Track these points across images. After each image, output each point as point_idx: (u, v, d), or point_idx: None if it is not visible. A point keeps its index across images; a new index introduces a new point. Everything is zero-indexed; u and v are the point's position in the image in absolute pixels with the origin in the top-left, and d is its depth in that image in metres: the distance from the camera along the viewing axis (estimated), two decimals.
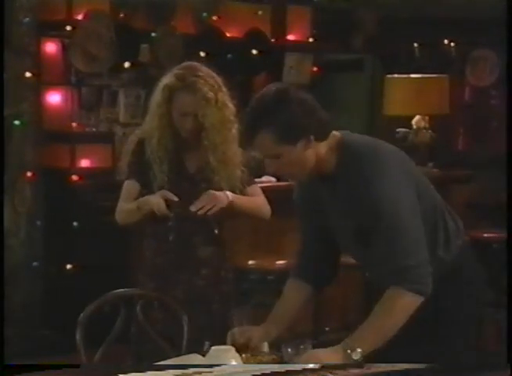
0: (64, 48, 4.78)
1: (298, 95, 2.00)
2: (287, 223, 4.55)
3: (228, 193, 2.62)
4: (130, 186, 2.68)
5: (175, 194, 2.58)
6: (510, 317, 2.01)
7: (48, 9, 4.73)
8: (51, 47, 4.82)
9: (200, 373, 1.72)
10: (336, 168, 2.03)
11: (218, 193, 2.60)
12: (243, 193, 2.69)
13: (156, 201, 2.56)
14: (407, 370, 1.84)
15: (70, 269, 4.59)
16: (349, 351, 1.88)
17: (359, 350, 1.88)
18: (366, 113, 6.54)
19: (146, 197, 2.63)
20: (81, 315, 2.34)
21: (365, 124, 6.17)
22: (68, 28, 4.74)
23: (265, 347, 2.05)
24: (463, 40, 6.36)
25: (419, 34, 6.22)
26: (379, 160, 1.98)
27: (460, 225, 2.12)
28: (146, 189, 2.65)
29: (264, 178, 4.44)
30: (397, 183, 1.94)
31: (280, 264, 3.97)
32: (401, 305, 1.91)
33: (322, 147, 2.03)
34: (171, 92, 2.60)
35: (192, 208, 2.56)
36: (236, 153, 2.67)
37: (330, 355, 1.90)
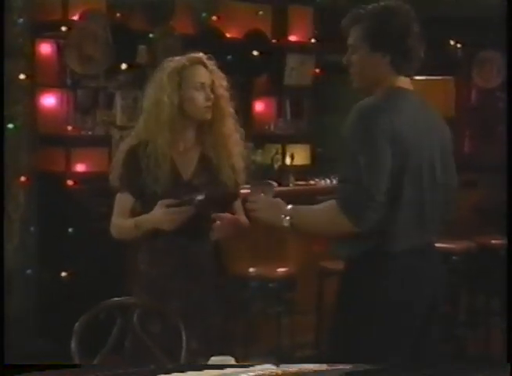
0: (59, 50, 4.79)
1: (407, 21, 2.24)
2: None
3: (242, 218, 2.65)
4: (123, 200, 2.66)
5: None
6: (510, 318, 2.05)
7: (43, 10, 4.73)
8: (46, 48, 4.83)
9: (238, 373, 1.75)
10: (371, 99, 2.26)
11: (233, 218, 2.64)
12: (236, 191, 2.70)
13: (159, 219, 2.55)
14: (407, 371, 1.90)
15: (65, 277, 4.58)
16: (285, 214, 2.19)
17: (288, 219, 2.19)
18: None
19: (144, 216, 2.60)
20: (77, 324, 2.33)
21: None
22: (63, 29, 4.75)
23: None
24: (470, 41, 6.36)
25: (424, 34, 6.22)
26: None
27: None
28: (141, 200, 2.64)
29: None
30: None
31: (282, 271, 3.96)
32: (332, 218, 2.13)
33: (390, 78, 2.24)
34: (180, 74, 2.63)
35: (213, 237, 2.59)
36: (239, 142, 2.69)
37: (272, 204, 2.25)
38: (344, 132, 2.18)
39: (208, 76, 2.65)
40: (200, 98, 2.63)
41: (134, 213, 2.65)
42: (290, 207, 2.22)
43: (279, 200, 2.27)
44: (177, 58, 2.68)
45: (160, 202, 2.57)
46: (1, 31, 4.23)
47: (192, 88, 2.63)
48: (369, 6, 2.27)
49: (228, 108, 2.68)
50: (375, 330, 2.11)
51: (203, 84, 2.64)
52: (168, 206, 2.54)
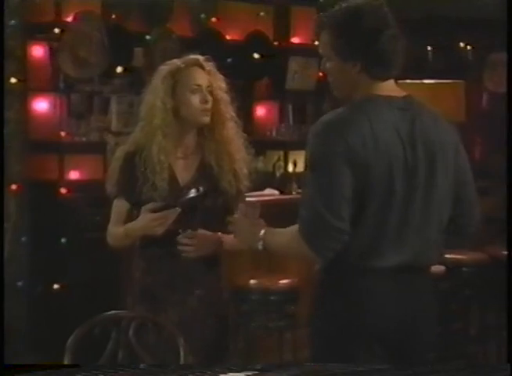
0: (52, 52, 4.81)
1: (376, 20, 2.08)
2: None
3: (224, 236, 2.63)
4: (119, 206, 2.69)
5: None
6: (510, 318, 2.02)
7: (36, 11, 4.76)
8: (38, 51, 4.85)
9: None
10: None
11: (210, 236, 2.63)
12: (236, 198, 2.71)
13: (146, 225, 2.57)
14: (406, 370, 1.89)
15: (57, 289, 4.59)
16: (259, 236, 2.16)
17: (261, 242, 2.17)
18: None
19: (132, 224, 2.64)
20: (70, 339, 2.33)
21: None
22: (56, 31, 4.77)
23: None
24: (481, 42, 6.38)
25: (432, 36, 6.24)
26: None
27: None
28: (137, 207, 2.65)
29: (266, 191, 4.45)
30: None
31: (284, 283, 3.97)
32: (298, 244, 2.07)
33: (364, 85, 2.11)
34: (175, 77, 2.64)
35: (178, 246, 2.59)
36: (242, 148, 2.70)
37: (248, 226, 2.21)
38: (306, 150, 2.10)
39: (205, 78, 2.66)
40: (195, 101, 2.63)
41: (130, 220, 2.67)
42: (263, 230, 2.17)
43: (257, 222, 2.21)
44: (172, 61, 2.69)
45: (143, 208, 2.59)
46: (1, 32, 4.24)
47: (188, 91, 2.64)
48: (333, 10, 2.14)
49: (229, 111, 2.69)
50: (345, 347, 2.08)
51: (199, 86, 2.64)
52: (153, 211, 2.56)
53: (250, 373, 1.90)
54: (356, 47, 2.08)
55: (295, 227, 2.09)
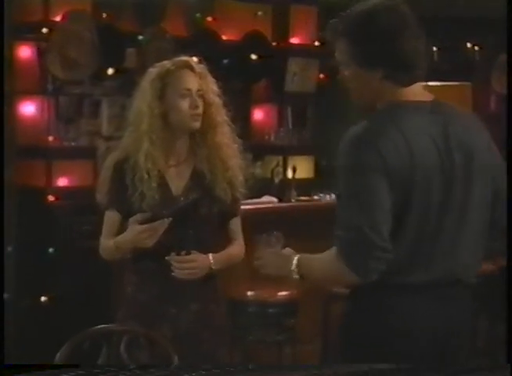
0: (40, 53, 4.82)
1: (395, 21, 2.03)
2: (290, 248, 4.57)
3: (210, 257, 2.64)
4: (110, 218, 2.69)
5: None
6: (510, 318, 2.03)
7: (22, 9, 4.76)
8: (25, 51, 4.86)
9: None
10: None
11: (201, 258, 2.63)
12: (233, 207, 2.71)
13: (135, 237, 2.57)
14: (406, 370, 1.91)
15: (45, 302, 4.58)
16: (293, 266, 2.13)
17: (297, 271, 2.14)
18: None
19: (122, 236, 2.64)
20: (58, 354, 2.33)
21: None
22: (44, 30, 4.78)
23: None
24: (488, 43, 6.40)
25: (438, 36, 6.26)
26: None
27: None
28: (128, 217, 2.65)
29: (264, 199, 4.45)
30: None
31: (283, 295, 3.97)
32: (335, 274, 2.06)
33: (389, 92, 2.06)
34: (164, 80, 2.63)
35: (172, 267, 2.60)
36: (236, 154, 2.70)
37: (279, 258, 2.20)
38: (337, 167, 2.07)
39: (196, 81, 2.65)
40: (184, 106, 2.63)
41: (122, 232, 2.67)
42: (296, 258, 2.15)
43: (286, 251, 2.21)
44: (162, 62, 2.69)
45: (130, 219, 2.59)
46: (1, 32, 4.25)
47: (177, 95, 2.63)
48: (346, 14, 2.09)
49: (221, 115, 2.69)
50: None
51: (189, 90, 2.64)
52: (140, 222, 2.56)
53: None
54: (376, 53, 2.03)
55: (332, 250, 2.05)
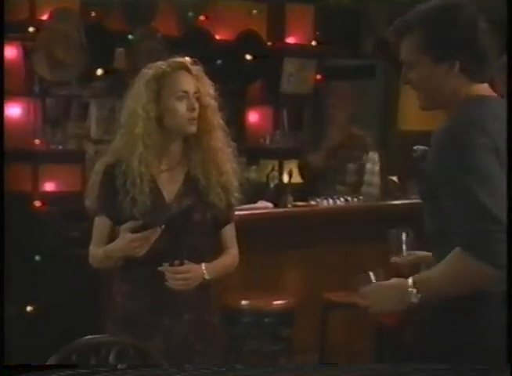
0: (26, 53, 4.81)
1: (469, 17, 2.11)
2: (286, 256, 4.57)
3: (203, 267, 2.63)
4: (100, 225, 2.68)
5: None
6: (510, 317, 2.05)
7: (7, 8, 4.75)
8: (10, 51, 4.85)
9: None
10: (451, 117, 2.13)
11: (195, 268, 2.62)
12: (228, 213, 2.70)
13: (126, 246, 2.57)
14: (405, 370, 1.94)
15: (30, 312, 4.57)
16: (411, 289, 2.06)
17: (415, 292, 2.06)
18: (378, 128, 6.57)
19: (112, 245, 2.63)
20: None
21: (377, 139, 6.19)
22: (31, 29, 4.78)
23: None
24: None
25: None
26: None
27: None
28: (119, 224, 2.64)
29: (259, 204, 4.45)
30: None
31: (278, 304, 3.96)
32: (467, 275, 2.02)
33: (464, 88, 2.12)
34: (159, 81, 2.63)
35: (168, 282, 2.59)
36: (230, 158, 2.69)
37: (390, 288, 2.12)
38: (436, 168, 2.08)
39: (193, 83, 2.65)
40: (182, 108, 2.62)
41: (113, 240, 2.66)
42: (410, 279, 2.10)
43: (394, 280, 2.16)
44: (157, 63, 2.68)
45: (122, 227, 2.58)
46: (1, 32, 4.24)
47: (174, 97, 2.63)
48: (417, 10, 2.14)
49: (217, 119, 2.69)
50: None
51: (186, 92, 2.63)
52: (132, 230, 2.55)
53: None
54: (454, 45, 2.09)
55: (449, 258, 2.03)
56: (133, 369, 2.18)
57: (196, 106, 2.63)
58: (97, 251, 2.67)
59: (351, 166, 5.07)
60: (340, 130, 5.13)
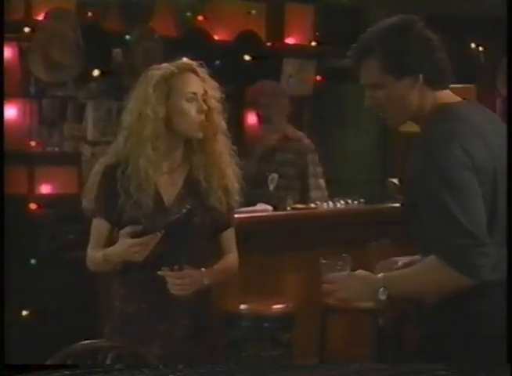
0: (22, 54, 4.81)
1: (422, 31, 2.25)
2: (285, 260, 4.57)
3: (203, 272, 2.63)
4: (98, 228, 2.68)
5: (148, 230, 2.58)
6: (510, 317, 2.10)
7: (3, 8, 4.76)
8: (6, 52, 4.84)
9: None
10: (424, 128, 2.24)
11: (195, 273, 2.62)
12: (228, 217, 2.70)
13: (125, 251, 2.57)
14: (404, 370, 1.98)
15: (26, 316, 4.56)
16: (380, 286, 2.15)
17: (383, 289, 2.15)
18: (378, 129, 6.57)
19: (111, 249, 2.63)
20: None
21: (377, 141, 6.20)
22: (26, 30, 4.78)
23: None
24: (494, 43, 6.42)
25: (440, 36, 6.27)
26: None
27: None
28: (118, 227, 2.64)
29: (258, 207, 4.45)
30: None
31: (278, 309, 3.96)
32: (441, 283, 2.13)
33: (429, 97, 2.23)
34: (168, 83, 2.63)
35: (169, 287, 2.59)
36: (232, 161, 2.70)
37: (360, 280, 2.20)
38: (416, 178, 2.18)
39: (200, 85, 2.65)
40: (192, 111, 2.62)
41: (112, 242, 2.66)
42: (380, 276, 2.20)
43: (364, 272, 2.24)
44: (163, 65, 2.68)
45: (121, 232, 2.58)
46: (1, 32, 4.24)
47: (183, 98, 2.62)
48: (373, 31, 2.26)
49: (221, 123, 2.69)
50: None
51: (195, 94, 2.63)
52: (132, 235, 2.55)
53: None
54: (415, 57, 2.19)
55: (424, 262, 2.14)
56: (130, 369, 2.18)
57: (205, 108, 2.64)
58: (95, 255, 2.66)
59: (290, 170, 4.76)
60: (274, 132, 4.83)
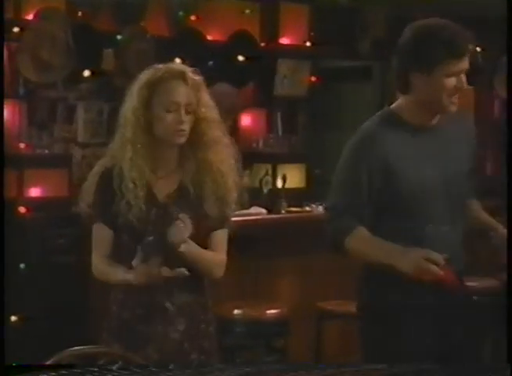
0: (11, 54, 4.81)
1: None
2: (280, 264, 4.57)
3: (189, 242, 2.62)
4: (101, 234, 2.68)
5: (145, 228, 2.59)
6: (510, 317, 2.11)
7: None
8: None
9: None
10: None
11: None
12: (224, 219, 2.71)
13: (131, 279, 2.59)
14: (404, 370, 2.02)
15: (15, 322, 4.56)
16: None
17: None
18: None
19: (125, 276, 2.62)
20: None
21: None
22: (16, 30, 4.78)
23: None
24: (491, 44, 6.44)
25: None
26: None
27: None
28: (117, 231, 2.65)
29: (252, 210, 4.45)
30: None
31: (272, 313, 3.96)
32: None
33: None
34: (152, 88, 2.63)
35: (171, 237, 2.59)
36: (232, 169, 2.70)
37: None
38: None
39: (185, 94, 2.63)
40: (169, 120, 2.62)
41: (115, 248, 2.68)
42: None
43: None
44: (155, 67, 2.67)
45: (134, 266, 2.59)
46: (1, 32, 4.24)
47: (162, 107, 2.62)
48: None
49: (215, 131, 2.67)
50: None
51: (177, 104, 2.62)
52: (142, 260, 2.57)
53: None
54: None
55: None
56: (126, 370, 2.19)
57: (186, 119, 2.63)
58: (108, 270, 2.66)
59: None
60: None
